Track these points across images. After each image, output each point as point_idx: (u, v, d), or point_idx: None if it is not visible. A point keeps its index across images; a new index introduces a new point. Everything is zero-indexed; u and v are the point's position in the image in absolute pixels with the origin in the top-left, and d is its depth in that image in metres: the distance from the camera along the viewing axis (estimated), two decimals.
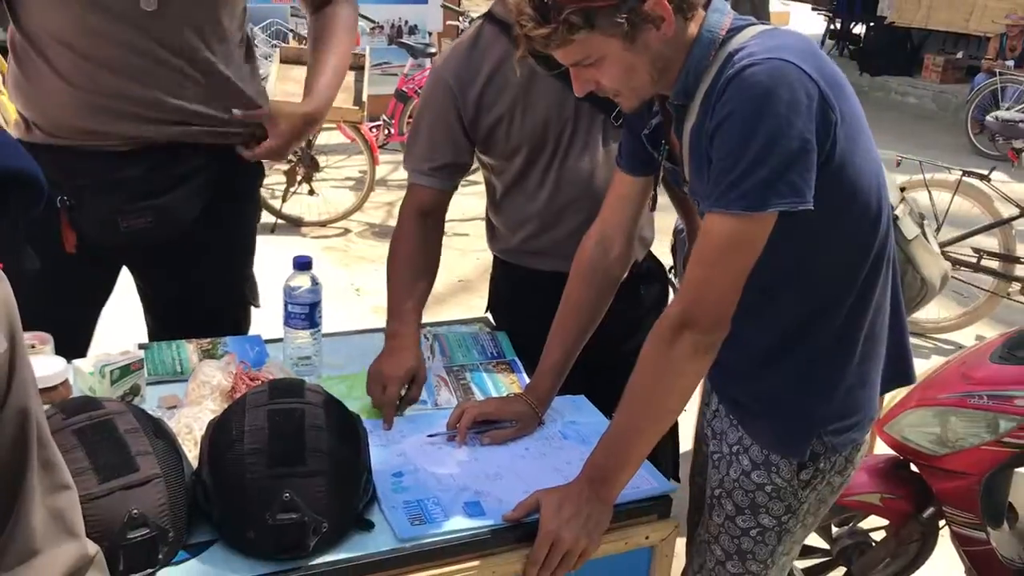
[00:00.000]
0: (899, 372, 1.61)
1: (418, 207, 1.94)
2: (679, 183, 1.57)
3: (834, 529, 2.53)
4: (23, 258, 1.91)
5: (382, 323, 1.91)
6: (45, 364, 1.53)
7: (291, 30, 6.83)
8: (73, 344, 1.79)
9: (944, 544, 2.40)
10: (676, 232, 2.91)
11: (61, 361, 1.57)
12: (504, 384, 1.87)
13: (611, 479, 1.45)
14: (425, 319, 2.03)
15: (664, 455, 2.14)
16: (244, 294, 2.15)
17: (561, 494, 1.45)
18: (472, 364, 1.94)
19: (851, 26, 13.06)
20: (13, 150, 0.84)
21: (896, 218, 1.51)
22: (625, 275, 1.76)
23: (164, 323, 2.08)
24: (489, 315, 2.22)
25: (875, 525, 2.47)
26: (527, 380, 1.89)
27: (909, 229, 1.57)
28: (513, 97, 1.87)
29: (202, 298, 2.05)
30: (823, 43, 12.86)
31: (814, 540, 2.55)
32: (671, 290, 2.27)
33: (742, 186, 1.28)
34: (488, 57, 1.87)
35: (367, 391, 1.77)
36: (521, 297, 2.09)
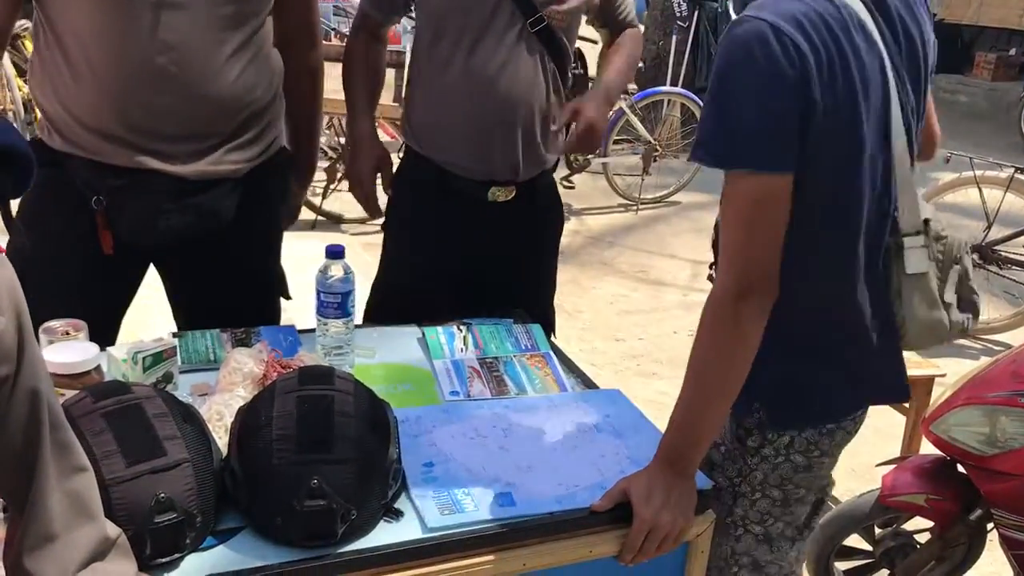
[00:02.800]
0: (889, 388, 1.57)
1: (365, 30, 2.15)
2: None
3: (877, 530, 2.47)
4: (13, 236, 1.91)
5: None
6: (78, 350, 1.54)
7: (333, 28, 6.86)
8: (100, 341, 1.79)
9: (992, 547, 2.33)
10: (717, 227, 2.87)
11: (94, 347, 1.57)
12: (538, 376, 1.85)
13: (688, 456, 1.46)
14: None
15: None
16: (271, 288, 2.14)
17: (646, 480, 1.45)
18: (506, 356, 1.91)
19: None
20: (1, 126, 0.84)
21: (901, 247, 1.45)
22: None
23: (190, 319, 2.06)
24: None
25: (920, 527, 2.41)
26: (561, 373, 1.87)
27: (913, 263, 1.46)
28: None
29: (227, 293, 2.03)
30: None
31: (856, 541, 2.50)
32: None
33: (711, 141, 1.33)
34: None
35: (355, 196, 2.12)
36: (417, 192, 2.13)
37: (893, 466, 2.36)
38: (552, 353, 1.95)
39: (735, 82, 1.30)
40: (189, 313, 2.10)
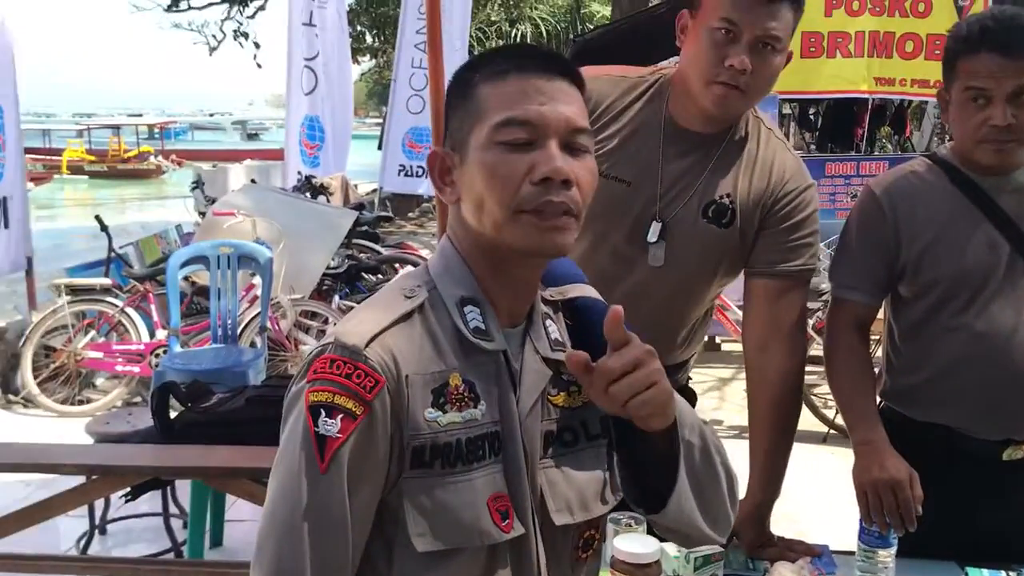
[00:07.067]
0: None
1: (853, 321, 1.98)
2: None
3: None
4: None
5: None
6: (643, 542, 1.72)
7: None
8: None
9: None
10: None
11: (654, 540, 1.74)
12: None
13: None
14: None
15: None
16: None
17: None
18: None
19: None
20: None
21: None
22: None
23: None
24: None
25: None
26: None
27: None
28: (938, 229, 1.89)
29: None
30: None
31: None
32: None
33: None
34: (925, 183, 1.93)
35: (868, 503, 1.81)
36: (900, 447, 1.87)
37: None
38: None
39: None
40: None
